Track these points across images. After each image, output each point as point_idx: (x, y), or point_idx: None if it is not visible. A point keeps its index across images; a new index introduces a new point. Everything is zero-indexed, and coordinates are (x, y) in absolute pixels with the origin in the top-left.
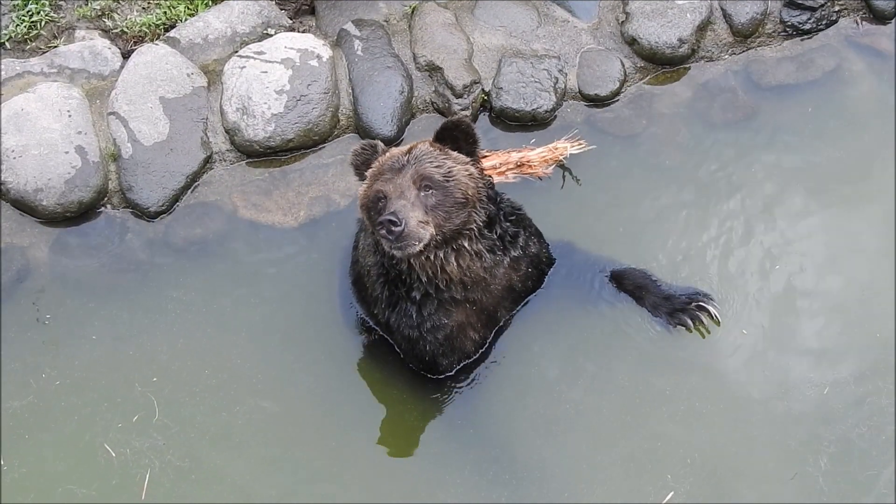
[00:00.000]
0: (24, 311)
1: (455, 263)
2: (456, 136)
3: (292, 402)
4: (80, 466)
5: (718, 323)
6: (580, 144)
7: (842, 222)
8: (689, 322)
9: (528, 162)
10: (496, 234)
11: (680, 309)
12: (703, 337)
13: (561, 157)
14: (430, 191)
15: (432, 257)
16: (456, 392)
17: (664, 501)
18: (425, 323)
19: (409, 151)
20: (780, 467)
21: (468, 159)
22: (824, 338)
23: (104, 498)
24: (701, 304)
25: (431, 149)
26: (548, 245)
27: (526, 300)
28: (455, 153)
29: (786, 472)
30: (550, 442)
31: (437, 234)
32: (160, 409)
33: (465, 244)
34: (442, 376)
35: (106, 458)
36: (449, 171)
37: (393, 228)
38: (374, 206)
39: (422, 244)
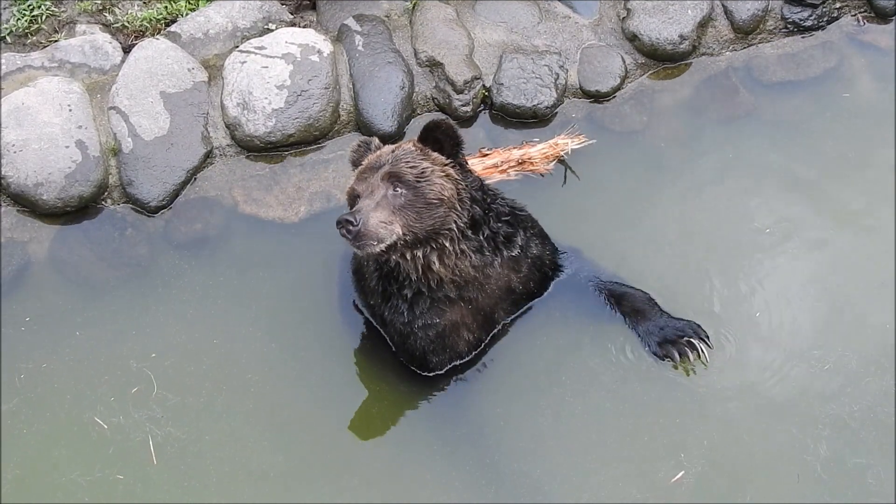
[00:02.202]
0: (24, 306)
1: (440, 263)
2: (438, 138)
3: (292, 392)
4: (82, 449)
5: (705, 364)
6: (581, 139)
7: (842, 215)
8: (677, 356)
9: (529, 159)
10: (483, 235)
11: (671, 341)
12: (688, 374)
13: (562, 153)
14: (401, 190)
15: (410, 256)
16: (458, 383)
17: (674, 480)
18: (416, 321)
19: (393, 151)
20: (788, 456)
21: (447, 161)
22: (828, 324)
23: (112, 470)
24: (692, 340)
25: (413, 149)
26: (553, 248)
27: (528, 305)
28: (435, 154)
29: (792, 461)
30: (558, 425)
31: (407, 234)
32: (158, 385)
33: (447, 244)
34: (432, 374)
35: (100, 432)
36: (422, 172)
37: (350, 228)
38: (352, 203)
39: (383, 244)
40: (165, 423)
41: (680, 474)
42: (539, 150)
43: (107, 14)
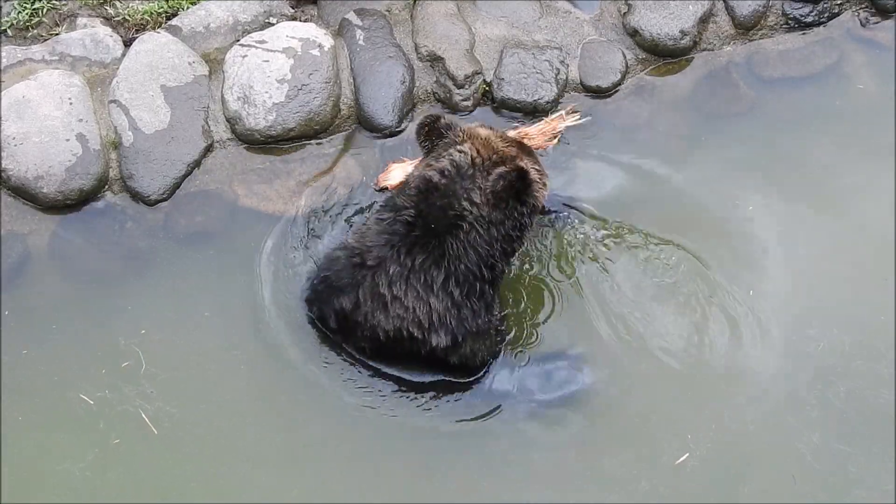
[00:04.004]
0: (24, 299)
1: None
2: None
3: (287, 371)
4: (73, 434)
5: None
6: (575, 116)
7: (841, 206)
8: None
9: (526, 135)
10: None
11: None
12: None
13: (558, 129)
14: None
15: None
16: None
17: (678, 462)
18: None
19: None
20: (783, 441)
21: None
22: (823, 306)
23: (105, 450)
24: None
25: None
26: None
27: None
28: None
29: (787, 448)
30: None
31: None
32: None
33: None
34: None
35: (88, 412)
36: None
37: None
38: None
39: None
40: (156, 399)
41: (685, 456)
42: (536, 128)
43: (108, 7)
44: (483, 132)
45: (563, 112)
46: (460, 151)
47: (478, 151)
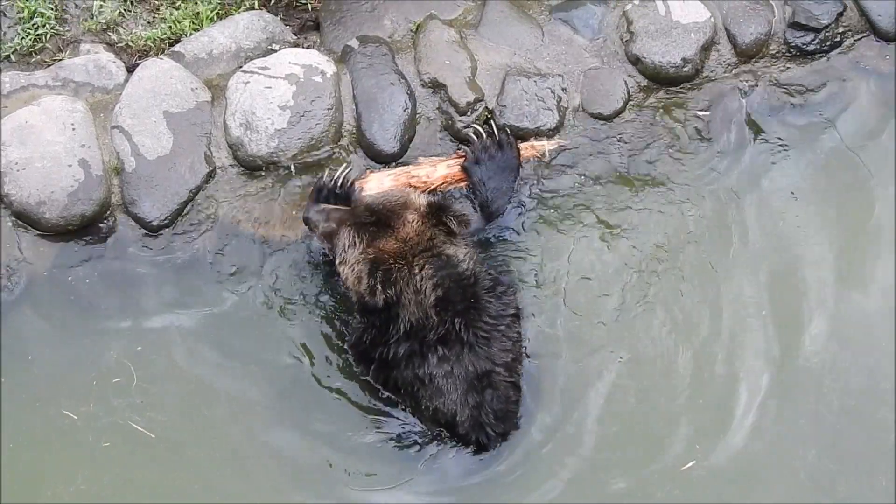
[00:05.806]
0: (24, 324)
1: None
2: None
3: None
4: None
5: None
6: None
7: (844, 232)
8: None
9: None
10: None
11: None
12: None
13: (538, 154)
14: None
15: None
16: None
17: (684, 468)
18: None
19: None
20: (781, 455)
21: None
22: (826, 325)
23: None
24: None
25: None
26: None
27: None
28: None
29: (785, 462)
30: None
31: None
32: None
33: None
34: None
35: (73, 426)
36: None
37: None
38: None
39: None
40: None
41: (691, 463)
42: None
43: (111, 33)
44: (392, 243)
45: (532, 142)
46: (411, 278)
47: (406, 247)
